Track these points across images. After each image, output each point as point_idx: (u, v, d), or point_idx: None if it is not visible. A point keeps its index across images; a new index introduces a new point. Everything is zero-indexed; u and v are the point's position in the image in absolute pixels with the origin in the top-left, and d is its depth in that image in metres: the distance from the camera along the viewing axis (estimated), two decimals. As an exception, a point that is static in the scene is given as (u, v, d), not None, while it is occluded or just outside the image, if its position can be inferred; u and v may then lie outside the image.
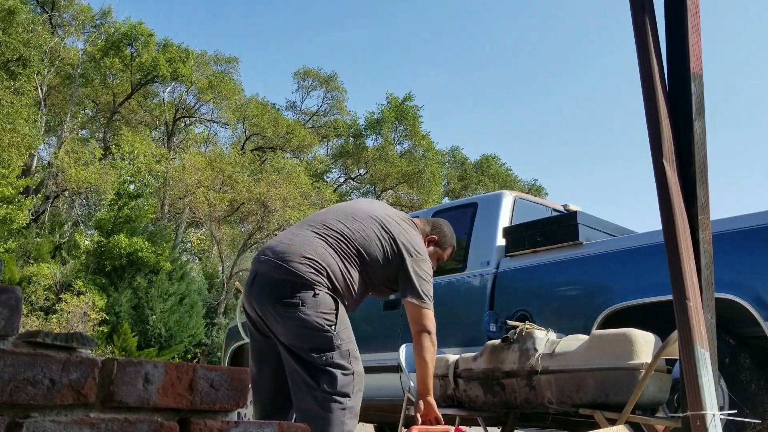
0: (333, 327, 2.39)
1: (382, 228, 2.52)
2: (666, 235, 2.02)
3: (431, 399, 2.60)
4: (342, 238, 2.46)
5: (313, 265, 2.37)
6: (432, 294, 2.54)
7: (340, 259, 2.43)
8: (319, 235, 2.45)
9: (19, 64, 19.49)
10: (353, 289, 2.47)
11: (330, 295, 2.41)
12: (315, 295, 2.36)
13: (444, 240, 2.78)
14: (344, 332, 2.43)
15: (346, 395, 2.37)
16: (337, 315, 2.42)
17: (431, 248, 2.73)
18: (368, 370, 4.30)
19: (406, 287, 2.51)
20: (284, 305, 2.33)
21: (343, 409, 2.35)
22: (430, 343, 2.52)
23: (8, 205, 15.58)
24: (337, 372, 2.36)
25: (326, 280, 2.39)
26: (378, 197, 27.98)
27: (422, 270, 2.54)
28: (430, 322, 2.51)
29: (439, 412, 2.61)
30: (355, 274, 2.46)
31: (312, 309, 2.35)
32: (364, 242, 2.48)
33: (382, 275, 2.53)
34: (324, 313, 2.37)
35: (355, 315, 4.89)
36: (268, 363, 2.49)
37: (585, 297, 3.53)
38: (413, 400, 3.41)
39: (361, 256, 2.47)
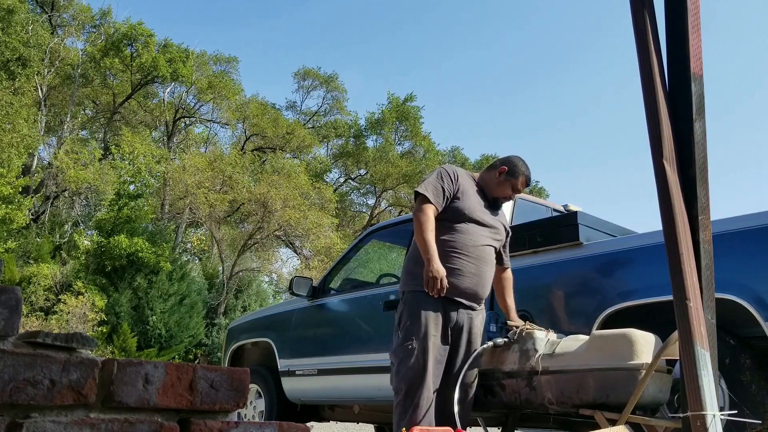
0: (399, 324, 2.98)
1: None
2: (666, 236, 2.01)
3: (430, 259, 2.89)
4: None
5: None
6: (427, 186, 3.04)
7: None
8: None
9: (18, 63, 19.48)
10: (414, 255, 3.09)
11: (404, 290, 3.04)
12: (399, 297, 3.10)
13: (514, 169, 3.18)
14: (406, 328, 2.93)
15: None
16: (403, 310, 2.97)
17: (502, 177, 3.18)
18: (369, 370, 4.32)
19: None
20: None
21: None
22: (416, 218, 2.99)
23: (8, 205, 15.57)
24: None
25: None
26: (378, 197, 27.98)
27: (431, 174, 3.14)
28: (419, 206, 3.01)
29: (438, 268, 2.86)
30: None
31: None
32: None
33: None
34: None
35: (355, 315, 4.94)
36: None
37: (585, 297, 3.53)
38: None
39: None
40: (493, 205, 3.23)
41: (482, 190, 3.20)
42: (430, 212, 2.97)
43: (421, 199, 3.00)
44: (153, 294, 16.13)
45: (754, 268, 2.94)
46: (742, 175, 43.15)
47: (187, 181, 20.27)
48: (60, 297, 15.00)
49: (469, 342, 3.01)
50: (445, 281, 2.84)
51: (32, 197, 18.82)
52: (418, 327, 2.85)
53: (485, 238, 3.09)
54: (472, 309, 3.03)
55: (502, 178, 3.18)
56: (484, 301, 3.12)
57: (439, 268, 2.84)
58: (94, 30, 24.01)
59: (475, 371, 3.00)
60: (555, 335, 2.99)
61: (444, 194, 3.03)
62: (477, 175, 3.31)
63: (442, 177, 3.08)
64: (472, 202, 3.11)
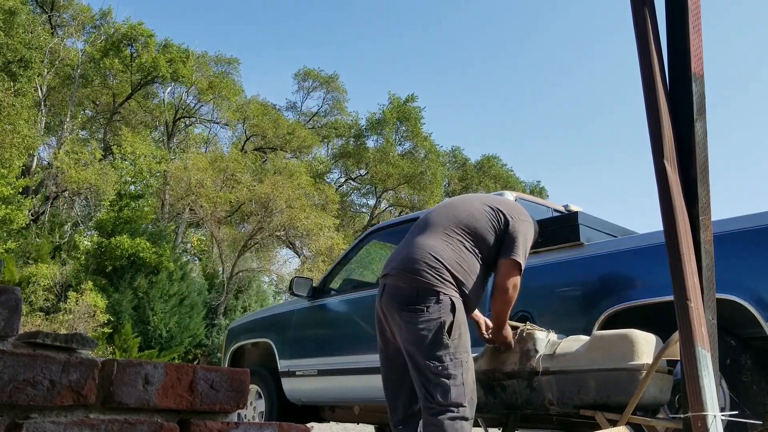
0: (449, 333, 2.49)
1: (487, 205, 2.73)
2: (667, 236, 2.01)
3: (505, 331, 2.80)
4: (455, 227, 2.64)
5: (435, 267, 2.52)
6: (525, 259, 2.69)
7: (456, 248, 2.59)
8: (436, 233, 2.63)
9: (20, 65, 19.45)
10: (472, 277, 2.63)
11: (450, 296, 2.52)
12: (438, 300, 2.49)
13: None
14: (459, 339, 2.53)
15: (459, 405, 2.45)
16: (454, 320, 2.52)
17: None
18: (369, 370, 4.32)
19: (510, 246, 2.66)
20: (409, 311, 2.48)
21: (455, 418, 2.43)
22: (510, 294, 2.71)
23: (8, 205, 15.57)
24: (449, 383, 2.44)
25: (449, 279, 2.54)
26: (379, 198, 27.96)
27: (525, 233, 2.70)
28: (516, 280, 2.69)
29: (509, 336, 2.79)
30: (472, 259, 2.63)
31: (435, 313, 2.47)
32: (473, 221, 2.65)
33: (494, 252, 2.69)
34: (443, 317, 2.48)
35: (356, 315, 4.86)
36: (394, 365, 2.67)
37: (586, 298, 3.52)
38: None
39: (475, 237, 2.63)
40: None
41: None
42: None
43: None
44: (153, 294, 16.13)
45: (755, 269, 2.94)
46: (743, 174, 43.17)
47: (191, 178, 20.20)
48: (67, 295, 14.98)
49: None
50: None
51: (32, 198, 18.82)
52: (467, 338, 2.60)
53: None
54: None
55: None
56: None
57: None
58: (94, 30, 23.98)
59: None
60: (555, 336, 2.98)
61: None
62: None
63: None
64: None
